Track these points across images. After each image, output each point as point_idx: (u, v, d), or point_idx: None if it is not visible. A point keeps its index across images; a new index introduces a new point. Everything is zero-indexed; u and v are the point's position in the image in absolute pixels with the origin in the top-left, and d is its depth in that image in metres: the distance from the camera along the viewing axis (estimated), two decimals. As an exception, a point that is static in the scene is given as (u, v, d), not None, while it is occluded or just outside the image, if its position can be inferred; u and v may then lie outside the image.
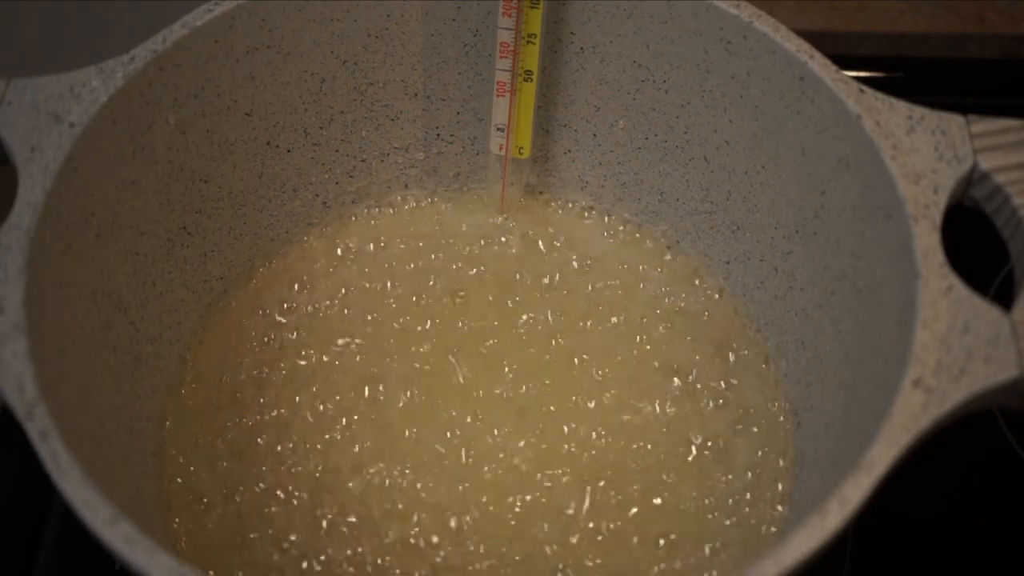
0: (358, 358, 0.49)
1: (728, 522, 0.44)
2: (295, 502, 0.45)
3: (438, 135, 0.53)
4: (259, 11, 0.46)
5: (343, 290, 0.51)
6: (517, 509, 0.45)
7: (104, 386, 0.41)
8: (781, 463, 0.46)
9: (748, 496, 0.45)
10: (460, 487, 0.45)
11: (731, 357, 0.49)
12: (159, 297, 0.46)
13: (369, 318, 0.50)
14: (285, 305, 0.51)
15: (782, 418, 0.47)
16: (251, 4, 0.45)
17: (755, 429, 0.47)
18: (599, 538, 0.44)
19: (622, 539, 0.44)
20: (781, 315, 0.48)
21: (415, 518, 0.45)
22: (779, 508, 0.45)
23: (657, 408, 0.47)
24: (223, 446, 0.46)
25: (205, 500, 0.45)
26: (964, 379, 0.35)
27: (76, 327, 0.40)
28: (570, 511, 0.45)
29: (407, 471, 0.46)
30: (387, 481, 0.45)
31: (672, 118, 0.49)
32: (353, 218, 0.54)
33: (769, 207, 0.47)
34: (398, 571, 0.43)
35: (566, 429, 0.47)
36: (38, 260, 0.37)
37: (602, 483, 0.45)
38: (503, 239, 0.53)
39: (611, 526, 0.44)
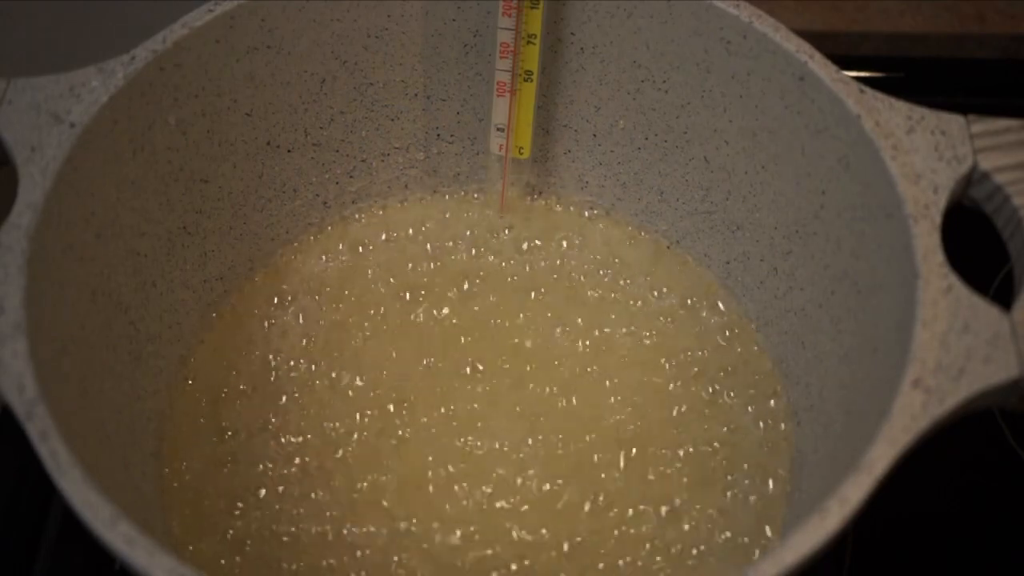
0: (359, 358, 0.49)
1: (726, 521, 0.44)
2: (294, 501, 0.45)
3: (438, 135, 0.53)
4: (259, 11, 0.46)
5: (343, 290, 0.51)
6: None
7: (104, 386, 0.41)
8: (780, 463, 0.46)
9: (747, 496, 0.45)
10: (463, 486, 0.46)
11: (730, 357, 0.49)
12: (159, 297, 0.46)
13: (369, 321, 0.50)
14: (285, 305, 0.51)
15: (782, 418, 0.47)
16: (251, 4, 0.45)
17: (754, 429, 0.47)
18: (596, 537, 0.44)
19: (614, 535, 0.44)
20: (781, 315, 0.48)
21: (431, 502, 0.45)
22: (779, 508, 0.45)
23: (656, 407, 0.47)
24: (223, 446, 0.46)
25: (205, 501, 0.45)
26: (964, 379, 0.35)
27: (76, 327, 0.40)
28: (565, 509, 0.45)
29: (410, 469, 0.46)
30: (391, 484, 0.45)
31: (672, 118, 0.49)
32: (353, 218, 0.54)
33: (769, 207, 0.47)
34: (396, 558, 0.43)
35: (566, 426, 0.47)
36: (38, 260, 0.37)
37: (598, 481, 0.45)
38: (503, 239, 0.53)
39: (605, 525, 0.44)
